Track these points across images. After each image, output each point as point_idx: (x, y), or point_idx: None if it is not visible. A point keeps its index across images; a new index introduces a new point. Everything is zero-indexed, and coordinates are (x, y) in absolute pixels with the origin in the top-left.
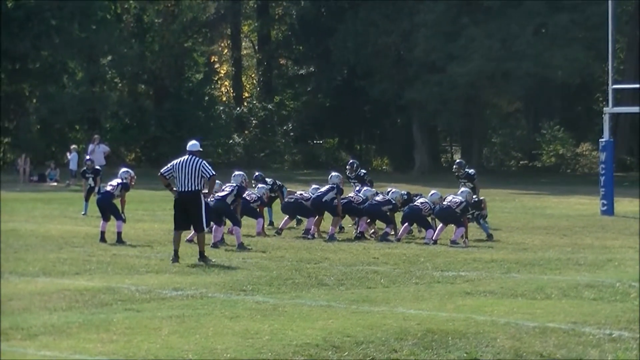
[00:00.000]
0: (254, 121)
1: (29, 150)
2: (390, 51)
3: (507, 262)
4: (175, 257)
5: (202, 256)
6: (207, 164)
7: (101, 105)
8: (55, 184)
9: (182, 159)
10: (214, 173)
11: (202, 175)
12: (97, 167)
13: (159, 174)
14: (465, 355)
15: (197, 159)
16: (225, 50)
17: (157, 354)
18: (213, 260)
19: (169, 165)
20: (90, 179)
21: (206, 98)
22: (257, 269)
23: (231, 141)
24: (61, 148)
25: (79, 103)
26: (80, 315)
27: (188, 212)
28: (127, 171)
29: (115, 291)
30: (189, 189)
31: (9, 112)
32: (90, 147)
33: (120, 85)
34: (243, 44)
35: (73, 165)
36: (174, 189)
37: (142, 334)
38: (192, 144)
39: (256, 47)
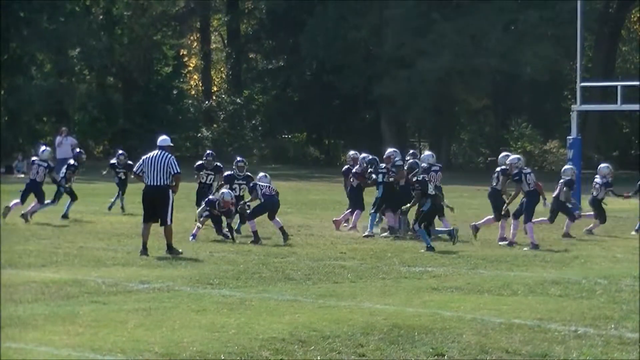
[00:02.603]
0: (222, 115)
1: None
2: (359, 46)
3: (474, 258)
4: (144, 250)
5: (169, 248)
6: (174, 161)
7: (69, 98)
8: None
9: (152, 153)
10: (179, 171)
11: (169, 170)
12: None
13: (133, 173)
14: (431, 350)
15: (167, 154)
16: (195, 44)
17: (124, 346)
18: (181, 253)
19: (139, 161)
20: (122, 173)
21: (175, 91)
22: (225, 263)
23: (200, 135)
24: (28, 140)
25: (47, 95)
26: (46, 307)
27: (155, 206)
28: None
29: (82, 284)
30: (158, 184)
31: None
32: (58, 139)
33: (88, 77)
34: (212, 37)
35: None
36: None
37: (109, 326)
38: (163, 139)
39: (225, 41)
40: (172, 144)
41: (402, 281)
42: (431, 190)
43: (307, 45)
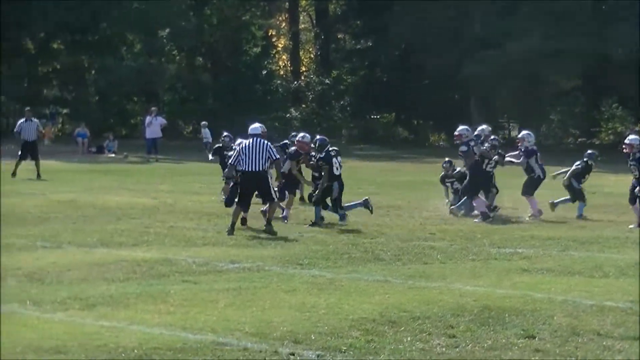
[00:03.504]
0: (311, 95)
1: (87, 122)
2: (447, 26)
3: (565, 240)
4: (231, 230)
5: (268, 224)
6: (272, 147)
7: (159, 78)
8: (113, 155)
9: (247, 142)
10: (278, 157)
11: (268, 156)
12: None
13: (230, 164)
14: (522, 332)
15: (263, 140)
16: (283, 24)
17: (214, 326)
18: (276, 233)
19: (234, 152)
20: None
21: (264, 72)
22: (314, 243)
23: (288, 115)
24: (119, 120)
25: (136, 75)
26: (138, 286)
27: (257, 189)
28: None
29: (173, 263)
30: (257, 169)
31: (68, 84)
32: (147, 119)
33: (178, 58)
34: (301, 17)
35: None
36: (239, 169)
37: (199, 306)
38: (254, 127)
39: (314, 21)
40: (265, 130)
41: (492, 262)
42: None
43: (395, 25)
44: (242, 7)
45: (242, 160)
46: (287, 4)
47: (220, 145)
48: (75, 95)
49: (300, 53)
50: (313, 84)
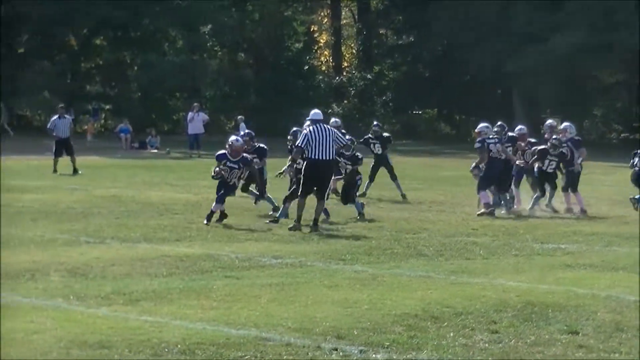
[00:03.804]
0: (352, 91)
1: (129, 118)
2: (490, 21)
3: (608, 235)
4: (298, 224)
5: (315, 224)
6: (339, 133)
7: (201, 74)
8: (155, 151)
9: (314, 128)
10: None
11: (338, 143)
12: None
13: (298, 146)
14: (565, 327)
15: (328, 127)
16: (325, 20)
17: (257, 321)
18: (323, 231)
19: (302, 136)
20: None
21: (305, 67)
22: (356, 239)
23: (330, 110)
24: (161, 115)
25: (179, 71)
26: (181, 281)
27: (322, 180)
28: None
29: (215, 258)
30: (327, 157)
31: (110, 80)
32: (190, 115)
33: (220, 53)
34: (343, 13)
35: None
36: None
37: (242, 301)
38: (318, 113)
39: (356, 17)
40: (336, 122)
41: (534, 258)
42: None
43: (438, 20)
44: (284, 3)
45: (311, 148)
46: None
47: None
48: (117, 91)
49: (342, 48)
50: (355, 79)
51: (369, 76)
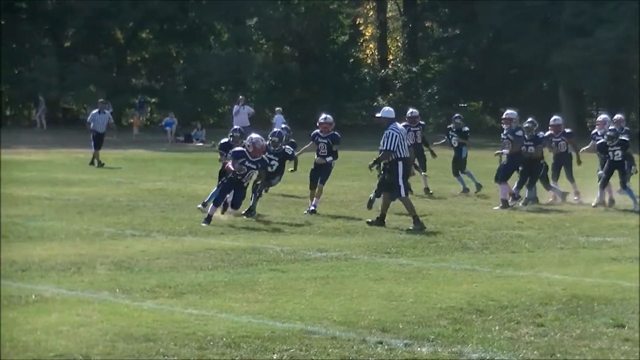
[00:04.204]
0: (398, 84)
1: (175, 111)
2: (537, 13)
3: None
4: (381, 221)
5: (416, 221)
6: (389, 135)
7: (247, 67)
8: (201, 144)
9: (400, 128)
10: (389, 148)
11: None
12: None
13: (388, 150)
14: (611, 321)
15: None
16: (371, 13)
17: (302, 314)
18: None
19: (393, 138)
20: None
21: (351, 60)
22: (401, 232)
23: (375, 104)
24: (207, 108)
25: (224, 64)
26: (226, 274)
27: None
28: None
29: (261, 251)
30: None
31: (156, 73)
32: (235, 108)
33: (265, 46)
34: (388, 6)
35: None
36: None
37: (287, 294)
38: (385, 111)
39: (401, 9)
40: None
41: (580, 251)
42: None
43: (484, 13)
44: None
45: (402, 147)
46: None
47: (229, 140)
48: (163, 84)
49: (388, 41)
50: (400, 72)
51: (414, 69)
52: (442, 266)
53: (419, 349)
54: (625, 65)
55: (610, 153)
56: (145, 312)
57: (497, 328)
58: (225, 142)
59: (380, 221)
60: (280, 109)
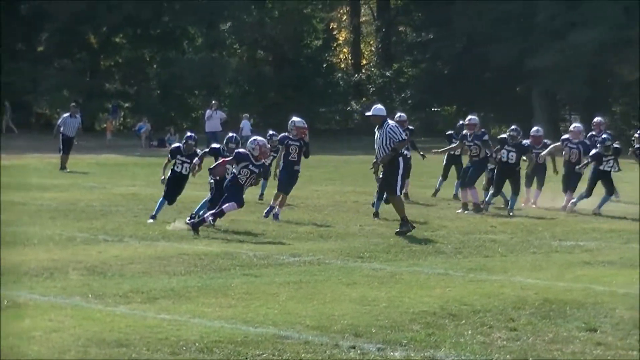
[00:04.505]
0: (372, 88)
1: (148, 115)
2: (511, 18)
3: (627, 232)
4: (408, 224)
5: (404, 222)
6: (394, 127)
7: (220, 71)
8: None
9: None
10: (403, 138)
11: (390, 139)
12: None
13: (403, 139)
14: (583, 325)
15: (386, 122)
16: (344, 17)
17: (275, 319)
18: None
19: (399, 131)
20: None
21: (325, 65)
22: (375, 236)
23: (349, 108)
24: (180, 113)
25: (198, 69)
26: (199, 279)
27: (385, 177)
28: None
29: (234, 256)
30: (380, 157)
31: (129, 78)
32: (208, 112)
33: (239, 51)
34: (362, 10)
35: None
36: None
37: (260, 299)
38: (377, 109)
39: (375, 14)
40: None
41: (553, 255)
42: None
43: (458, 17)
44: (303, 1)
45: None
46: None
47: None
48: (137, 89)
49: (362, 46)
50: (374, 76)
51: (388, 73)
52: (415, 270)
53: (391, 353)
54: (599, 69)
55: (603, 162)
56: (118, 317)
57: (469, 332)
58: (177, 147)
59: (405, 224)
60: (247, 115)
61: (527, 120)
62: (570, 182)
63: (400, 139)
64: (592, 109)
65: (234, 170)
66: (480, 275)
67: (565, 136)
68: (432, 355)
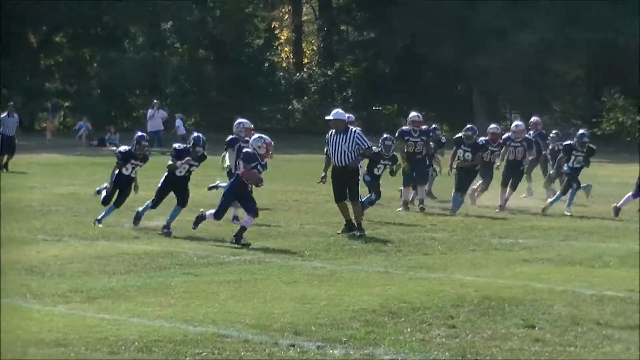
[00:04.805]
0: (313, 87)
1: (89, 115)
2: (452, 17)
3: (566, 230)
4: (347, 227)
5: (358, 227)
6: (361, 134)
7: (162, 71)
8: (114, 148)
9: (332, 131)
10: (370, 145)
11: (357, 145)
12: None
13: (371, 149)
14: (522, 322)
15: (351, 129)
16: (286, 16)
17: (215, 318)
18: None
19: (365, 139)
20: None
21: (266, 64)
22: (315, 235)
23: (290, 107)
24: (122, 113)
25: (139, 68)
26: (139, 279)
27: (345, 184)
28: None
29: (174, 255)
30: (346, 162)
31: (70, 77)
32: (150, 112)
33: (180, 50)
34: (304, 9)
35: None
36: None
37: (200, 298)
38: (339, 113)
39: (317, 13)
40: (347, 117)
41: (492, 253)
42: None
43: (399, 16)
44: (244, 0)
45: (330, 152)
46: None
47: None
48: (77, 88)
49: (303, 45)
50: (315, 75)
51: (329, 72)
52: (356, 269)
53: (331, 351)
54: (541, 68)
55: (572, 157)
56: (57, 317)
57: (409, 330)
58: (128, 151)
59: (359, 229)
60: (181, 114)
61: (468, 119)
62: (511, 179)
63: (368, 146)
64: (532, 108)
65: (238, 172)
66: (419, 273)
67: (507, 135)
68: (371, 352)
